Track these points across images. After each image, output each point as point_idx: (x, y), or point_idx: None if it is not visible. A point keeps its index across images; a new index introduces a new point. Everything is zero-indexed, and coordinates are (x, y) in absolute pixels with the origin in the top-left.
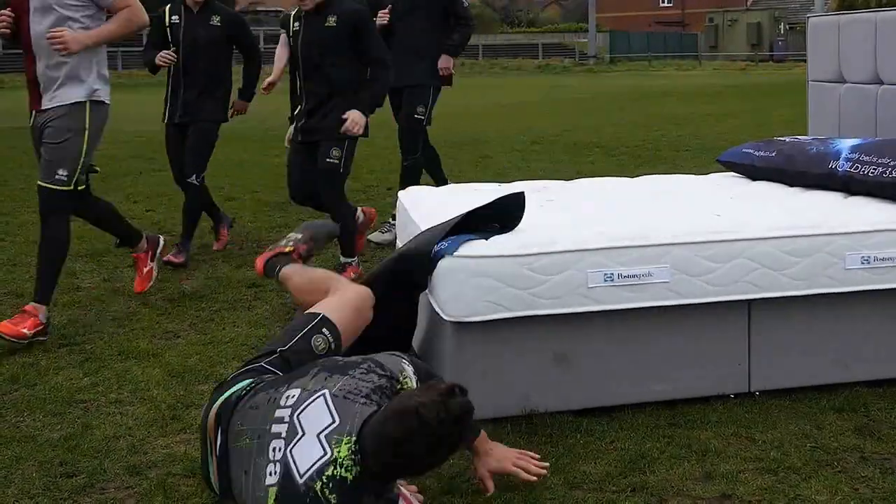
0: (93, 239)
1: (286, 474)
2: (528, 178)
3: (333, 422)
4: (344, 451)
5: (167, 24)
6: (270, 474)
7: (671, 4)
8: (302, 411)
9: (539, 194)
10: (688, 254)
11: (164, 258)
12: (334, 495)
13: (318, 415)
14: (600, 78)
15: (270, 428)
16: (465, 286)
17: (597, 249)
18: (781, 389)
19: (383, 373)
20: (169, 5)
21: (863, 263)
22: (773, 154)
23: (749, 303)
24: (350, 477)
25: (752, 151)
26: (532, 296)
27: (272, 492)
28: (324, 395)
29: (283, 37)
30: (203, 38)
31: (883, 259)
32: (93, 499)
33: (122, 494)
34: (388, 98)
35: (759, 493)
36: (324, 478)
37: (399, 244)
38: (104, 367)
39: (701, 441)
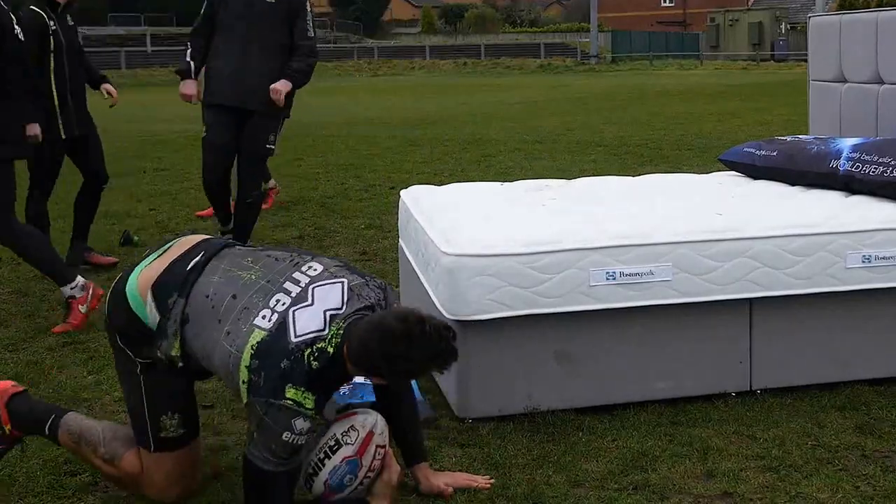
0: (96, 239)
1: (281, 327)
2: (531, 177)
3: (341, 307)
4: (333, 330)
5: (50, 32)
6: (263, 318)
7: (673, 4)
8: (318, 286)
9: (541, 193)
10: (689, 253)
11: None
12: (317, 363)
13: (333, 295)
14: (602, 77)
15: (284, 283)
16: (466, 285)
17: (599, 248)
18: (783, 388)
19: (383, 297)
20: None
21: (864, 262)
22: (775, 153)
23: (750, 302)
24: (330, 350)
25: (753, 150)
26: (534, 294)
27: (258, 334)
28: (343, 283)
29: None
30: (68, 41)
31: (884, 258)
32: (96, 497)
33: (125, 493)
34: (211, 114)
35: (760, 491)
36: (314, 348)
37: (401, 242)
38: (108, 365)
39: (702, 439)
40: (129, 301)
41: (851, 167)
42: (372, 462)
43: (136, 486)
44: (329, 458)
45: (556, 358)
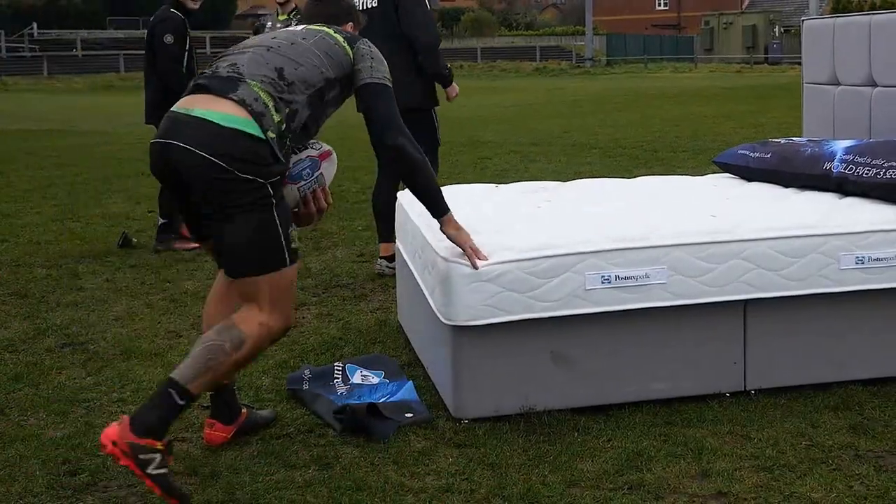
0: (95, 240)
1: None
2: (527, 180)
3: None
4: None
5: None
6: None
7: (667, 7)
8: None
9: (537, 195)
10: (684, 255)
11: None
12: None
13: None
14: (597, 80)
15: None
16: (463, 291)
17: (595, 252)
18: (777, 388)
19: None
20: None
21: (857, 264)
22: (769, 155)
23: (745, 303)
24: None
25: (747, 153)
26: (530, 299)
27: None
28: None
29: None
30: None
31: (877, 259)
32: (95, 497)
33: (124, 492)
34: None
35: (754, 491)
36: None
37: (398, 244)
38: (107, 366)
39: (697, 439)
40: (238, 127)
41: (845, 169)
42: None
43: (263, 342)
44: (297, 153)
45: (553, 359)
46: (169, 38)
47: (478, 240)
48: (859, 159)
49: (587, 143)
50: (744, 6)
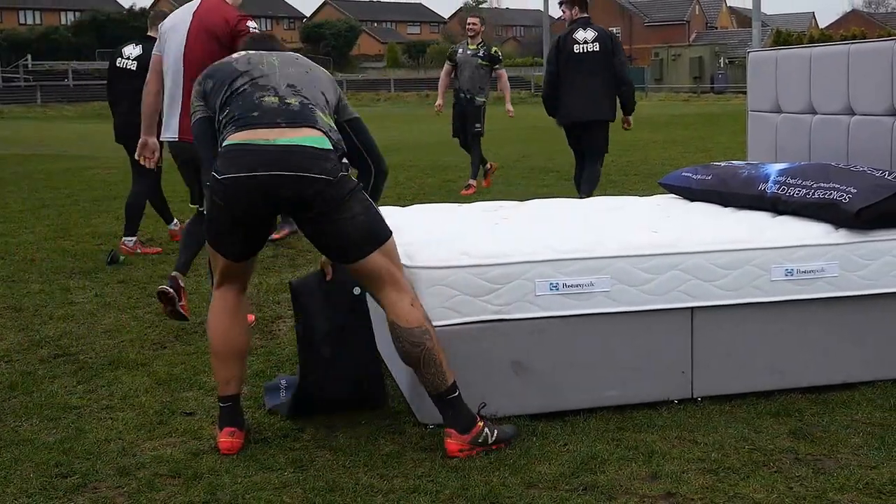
0: (85, 258)
1: None
2: (488, 200)
3: None
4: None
5: None
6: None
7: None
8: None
9: (495, 213)
10: (626, 266)
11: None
12: None
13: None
14: None
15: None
16: (424, 294)
17: (544, 261)
18: (722, 395)
19: None
20: None
21: (787, 275)
22: (709, 177)
23: (692, 316)
24: None
25: (690, 175)
26: (484, 303)
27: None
28: None
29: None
30: None
31: (805, 272)
32: (86, 497)
33: (113, 493)
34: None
35: (701, 492)
36: None
37: None
38: (96, 375)
39: (647, 443)
40: (317, 147)
41: (778, 190)
42: None
43: (421, 305)
44: None
45: (513, 368)
46: None
47: (438, 247)
48: (791, 181)
49: (545, 167)
50: (691, 39)
